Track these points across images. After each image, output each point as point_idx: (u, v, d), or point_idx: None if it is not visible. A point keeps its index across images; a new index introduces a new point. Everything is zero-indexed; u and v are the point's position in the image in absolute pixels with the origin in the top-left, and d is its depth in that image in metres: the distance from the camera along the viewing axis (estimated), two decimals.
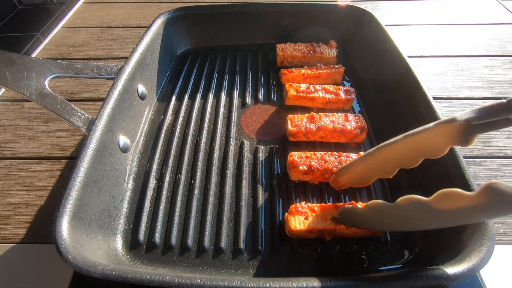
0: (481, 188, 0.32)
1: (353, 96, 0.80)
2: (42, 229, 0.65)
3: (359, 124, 0.72)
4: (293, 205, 0.57)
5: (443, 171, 0.56)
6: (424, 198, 0.38)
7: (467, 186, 0.51)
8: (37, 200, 0.70)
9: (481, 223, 0.45)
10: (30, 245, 0.63)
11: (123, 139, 0.67)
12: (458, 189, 0.34)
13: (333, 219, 0.54)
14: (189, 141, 0.75)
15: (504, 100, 0.36)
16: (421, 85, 0.68)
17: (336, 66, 0.89)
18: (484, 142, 0.80)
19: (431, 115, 0.62)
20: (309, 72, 0.88)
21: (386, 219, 0.43)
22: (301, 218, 0.55)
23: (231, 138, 0.76)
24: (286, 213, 0.57)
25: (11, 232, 0.65)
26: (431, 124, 0.41)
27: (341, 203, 0.58)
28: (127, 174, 0.67)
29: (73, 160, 0.78)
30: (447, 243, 0.50)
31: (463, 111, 0.40)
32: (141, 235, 0.59)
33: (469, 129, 0.38)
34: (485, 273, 0.57)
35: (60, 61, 0.68)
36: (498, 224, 0.64)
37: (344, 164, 0.63)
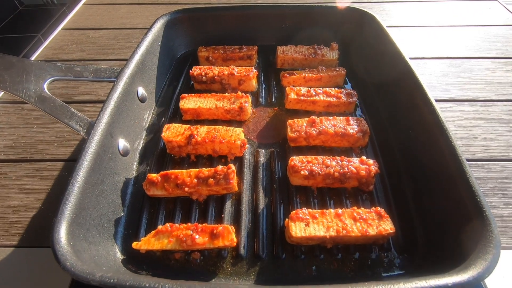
0: None
1: (355, 99, 0.79)
2: (41, 232, 0.65)
3: (361, 128, 0.71)
4: (294, 211, 0.57)
5: (447, 176, 0.56)
6: None
7: (470, 191, 0.50)
8: (36, 203, 0.69)
9: (487, 230, 0.44)
10: (29, 248, 0.62)
11: (122, 143, 0.67)
12: None
13: None
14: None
15: None
16: (423, 87, 0.67)
17: (337, 69, 0.88)
18: (486, 145, 0.79)
19: (434, 118, 0.61)
20: (310, 75, 0.87)
21: None
22: (302, 224, 0.54)
23: None
24: (287, 219, 0.56)
25: (10, 235, 0.64)
26: None
27: (343, 209, 0.58)
28: (127, 178, 0.67)
29: (72, 162, 0.77)
30: (451, 250, 0.49)
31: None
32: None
33: None
34: (488, 278, 0.56)
35: (59, 64, 0.68)
36: (501, 228, 0.64)
37: (346, 169, 0.62)
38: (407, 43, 1.14)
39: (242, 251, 0.56)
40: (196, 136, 0.70)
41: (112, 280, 0.40)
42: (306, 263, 0.55)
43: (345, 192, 0.65)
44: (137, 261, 0.56)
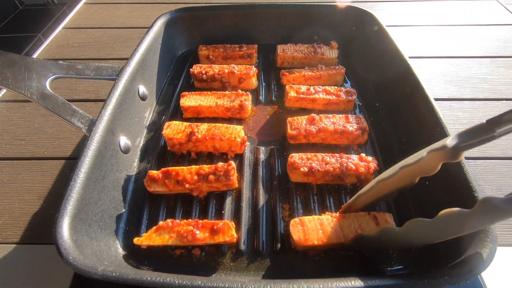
0: (477, 203, 0.37)
1: (354, 97, 0.80)
2: (43, 229, 0.65)
3: (360, 125, 0.72)
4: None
5: (445, 174, 0.56)
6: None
7: (468, 188, 0.51)
8: (38, 201, 0.70)
9: None
10: (31, 245, 0.63)
11: (124, 140, 0.67)
12: (458, 208, 0.39)
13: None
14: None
15: (484, 122, 0.42)
16: (422, 86, 0.68)
17: (337, 67, 0.89)
18: (486, 144, 0.79)
19: (433, 117, 0.62)
20: (310, 73, 0.88)
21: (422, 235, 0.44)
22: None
23: None
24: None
25: (12, 232, 0.65)
26: (424, 154, 0.45)
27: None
28: (128, 175, 0.67)
29: (74, 160, 0.78)
30: (449, 245, 0.49)
31: (451, 136, 0.45)
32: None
33: (457, 150, 0.44)
34: (486, 274, 0.56)
35: (61, 62, 0.69)
36: (499, 225, 0.64)
37: (345, 166, 0.63)
38: (407, 42, 1.14)
39: (242, 246, 0.57)
40: (197, 134, 0.70)
41: (114, 274, 0.41)
42: (305, 258, 0.56)
43: (344, 189, 0.66)
44: (138, 256, 0.56)
